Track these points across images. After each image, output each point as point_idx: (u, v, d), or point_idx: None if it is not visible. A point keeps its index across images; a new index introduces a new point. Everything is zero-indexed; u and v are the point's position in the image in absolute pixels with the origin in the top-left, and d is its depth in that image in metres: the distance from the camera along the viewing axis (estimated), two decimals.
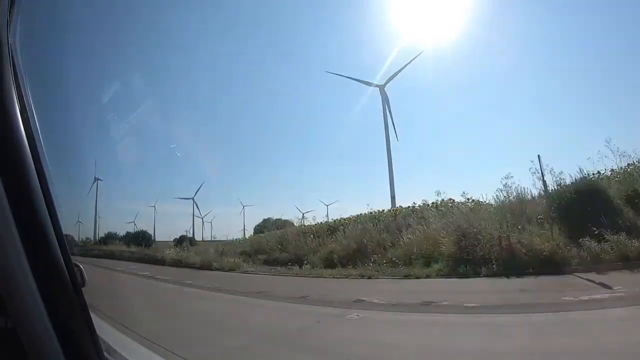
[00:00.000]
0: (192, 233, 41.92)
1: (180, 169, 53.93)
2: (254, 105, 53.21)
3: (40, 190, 1.36)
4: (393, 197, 29.01)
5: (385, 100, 30.38)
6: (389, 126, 30.23)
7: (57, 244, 1.38)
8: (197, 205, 41.43)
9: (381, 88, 30.55)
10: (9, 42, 1.39)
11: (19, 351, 1.25)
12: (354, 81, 31.09)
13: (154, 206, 40.21)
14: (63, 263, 1.39)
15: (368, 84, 30.83)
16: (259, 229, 32.57)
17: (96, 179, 33.62)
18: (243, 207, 41.28)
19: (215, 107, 50.43)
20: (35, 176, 1.36)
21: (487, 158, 43.20)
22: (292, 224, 27.03)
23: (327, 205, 40.14)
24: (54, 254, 1.37)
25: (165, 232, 50.22)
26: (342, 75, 31.62)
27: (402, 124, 38.71)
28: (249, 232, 34.04)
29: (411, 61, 29.18)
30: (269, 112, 54.07)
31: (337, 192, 56.50)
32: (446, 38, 42.69)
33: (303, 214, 41.33)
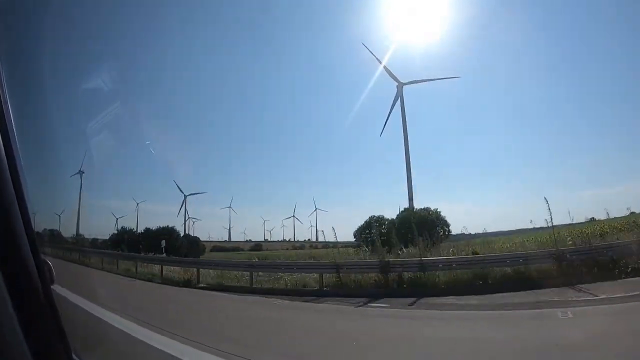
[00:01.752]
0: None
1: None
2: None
3: (11, 186, 1.35)
4: (411, 199, 29.02)
5: (400, 98, 30.16)
6: (405, 125, 30.14)
7: (26, 240, 1.37)
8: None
9: (400, 86, 30.23)
10: None
11: None
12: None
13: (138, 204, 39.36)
14: (32, 260, 1.38)
15: (393, 77, 30.37)
16: None
17: (80, 172, 32.49)
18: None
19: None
20: (7, 171, 1.35)
21: None
22: None
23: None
24: (22, 250, 1.36)
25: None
26: (374, 56, 30.57)
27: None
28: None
29: (443, 78, 30.07)
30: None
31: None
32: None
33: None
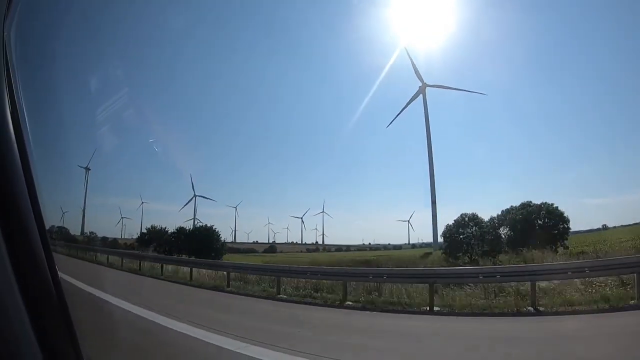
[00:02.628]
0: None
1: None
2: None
3: (23, 183, 1.36)
4: (434, 203, 28.73)
5: (423, 100, 29.75)
6: (428, 124, 30.02)
7: (38, 236, 1.36)
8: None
9: (423, 87, 29.65)
10: (4, 36, 1.40)
11: None
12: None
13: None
14: (44, 257, 1.37)
15: (419, 77, 29.96)
16: None
17: (87, 169, 32.31)
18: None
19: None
20: (21, 171, 1.35)
21: None
22: None
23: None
24: (34, 247, 1.35)
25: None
26: (409, 55, 30.07)
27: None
28: None
29: (470, 91, 29.29)
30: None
31: None
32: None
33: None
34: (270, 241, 47.06)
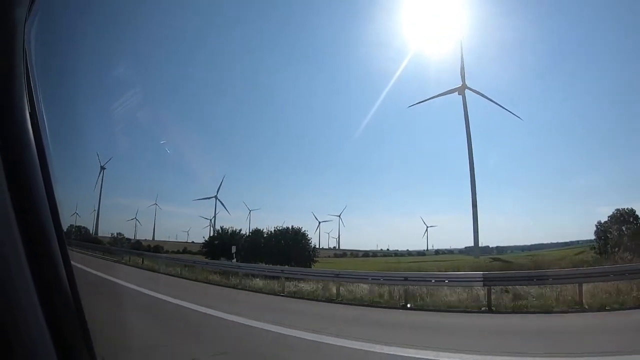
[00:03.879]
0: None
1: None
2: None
3: (42, 182, 1.38)
4: (475, 205, 28.40)
5: (463, 103, 28.98)
6: (468, 125, 29.47)
7: (55, 237, 1.38)
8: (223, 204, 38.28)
9: (462, 87, 28.74)
10: (24, 41, 1.43)
11: (4, 349, 1.20)
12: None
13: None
14: (61, 258, 1.39)
15: (462, 76, 29.36)
16: None
17: (102, 168, 32.92)
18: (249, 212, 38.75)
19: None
20: (40, 174, 1.38)
21: None
22: None
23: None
24: (52, 249, 1.37)
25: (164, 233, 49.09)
26: (461, 51, 29.49)
27: None
28: None
29: (508, 110, 28.05)
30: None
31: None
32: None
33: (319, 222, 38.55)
34: None
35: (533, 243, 34.66)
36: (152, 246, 31.71)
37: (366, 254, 43.23)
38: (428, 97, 30.37)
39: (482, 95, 28.62)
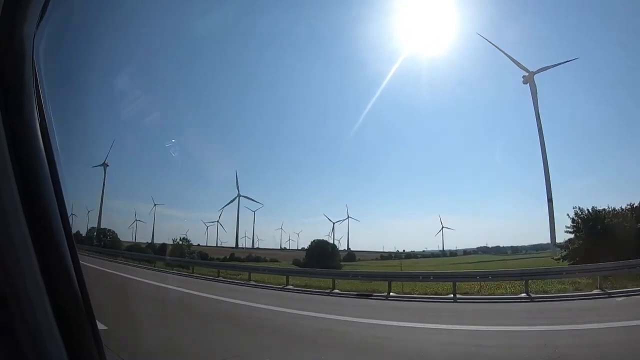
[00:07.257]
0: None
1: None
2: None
3: (50, 184, 1.41)
4: (550, 200, 27.46)
5: (532, 91, 27.79)
6: (539, 118, 28.15)
7: (65, 239, 1.41)
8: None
9: (530, 76, 27.49)
10: (34, 49, 1.46)
11: (16, 348, 1.22)
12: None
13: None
14: (71, 261, 1.41)
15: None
16: None
17: (105, 165, 33.27)
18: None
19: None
20: (49, 178, 1.41)
21: None
22: None
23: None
24: (61, 251, 1.39)
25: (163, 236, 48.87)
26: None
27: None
28: None
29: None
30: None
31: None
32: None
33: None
34: (282, 247, 46.62)
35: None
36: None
37: (388, 256, 41.88)
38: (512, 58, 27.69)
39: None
